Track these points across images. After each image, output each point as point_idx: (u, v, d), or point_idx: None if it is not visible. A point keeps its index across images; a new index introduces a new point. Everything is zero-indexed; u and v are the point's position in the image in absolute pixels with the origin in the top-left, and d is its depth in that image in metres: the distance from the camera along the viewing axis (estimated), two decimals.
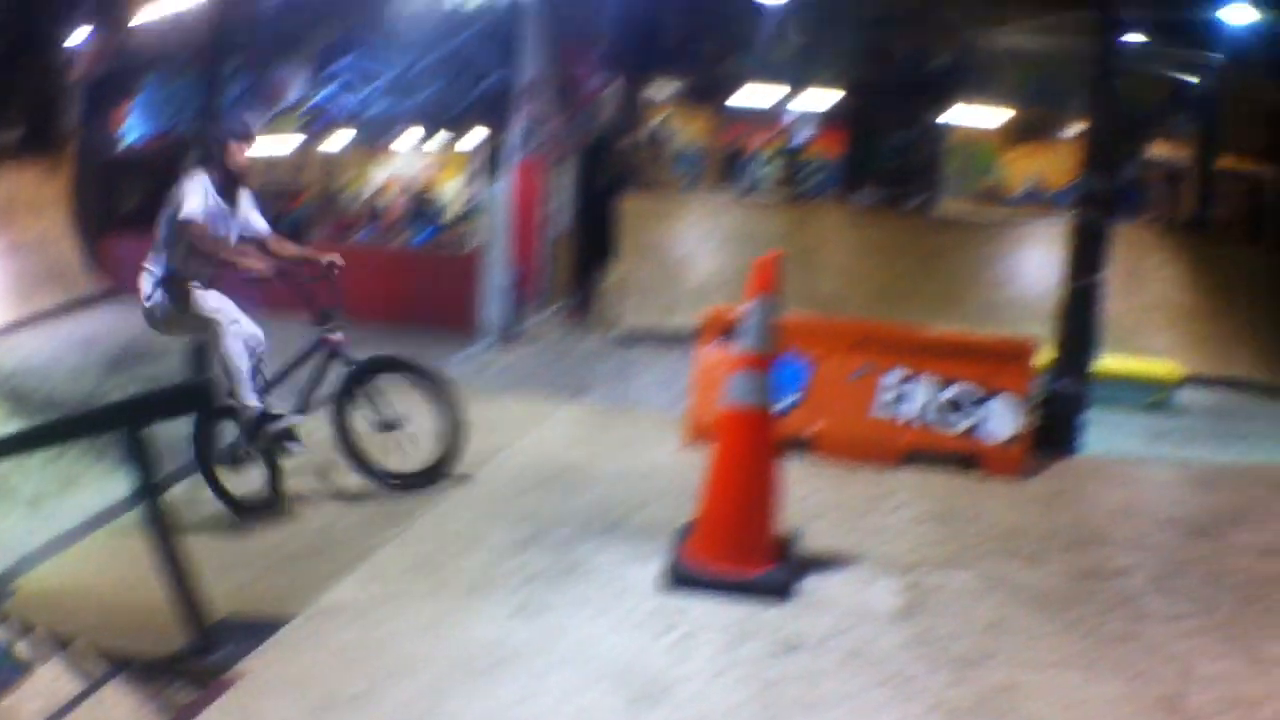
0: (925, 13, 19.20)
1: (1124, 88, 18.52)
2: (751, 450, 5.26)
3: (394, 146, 20.03)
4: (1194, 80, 19.98)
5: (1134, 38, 16.97)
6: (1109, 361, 11.24)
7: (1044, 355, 8.55)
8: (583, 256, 15.11)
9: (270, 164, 19.16)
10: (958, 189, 21.36)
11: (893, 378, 7.86)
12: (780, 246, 13.47)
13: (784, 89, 20.15)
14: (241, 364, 6.96)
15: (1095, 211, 8.61)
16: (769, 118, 20.88)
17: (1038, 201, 19.37)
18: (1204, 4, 17.04)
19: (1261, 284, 16.31)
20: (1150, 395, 12.78)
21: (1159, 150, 21.22)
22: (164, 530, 4.49)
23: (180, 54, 16.46)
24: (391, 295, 13.81)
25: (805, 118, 20.97)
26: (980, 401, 7.73)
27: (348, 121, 18.06)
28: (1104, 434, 8.98)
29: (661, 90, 20.17)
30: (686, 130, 20.70)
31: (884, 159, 20.82)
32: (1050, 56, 18.19)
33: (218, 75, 16.02)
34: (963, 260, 15.81)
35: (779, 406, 7.25)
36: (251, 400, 6.98)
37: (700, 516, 5.34)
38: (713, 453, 5.32)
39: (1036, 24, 17.73)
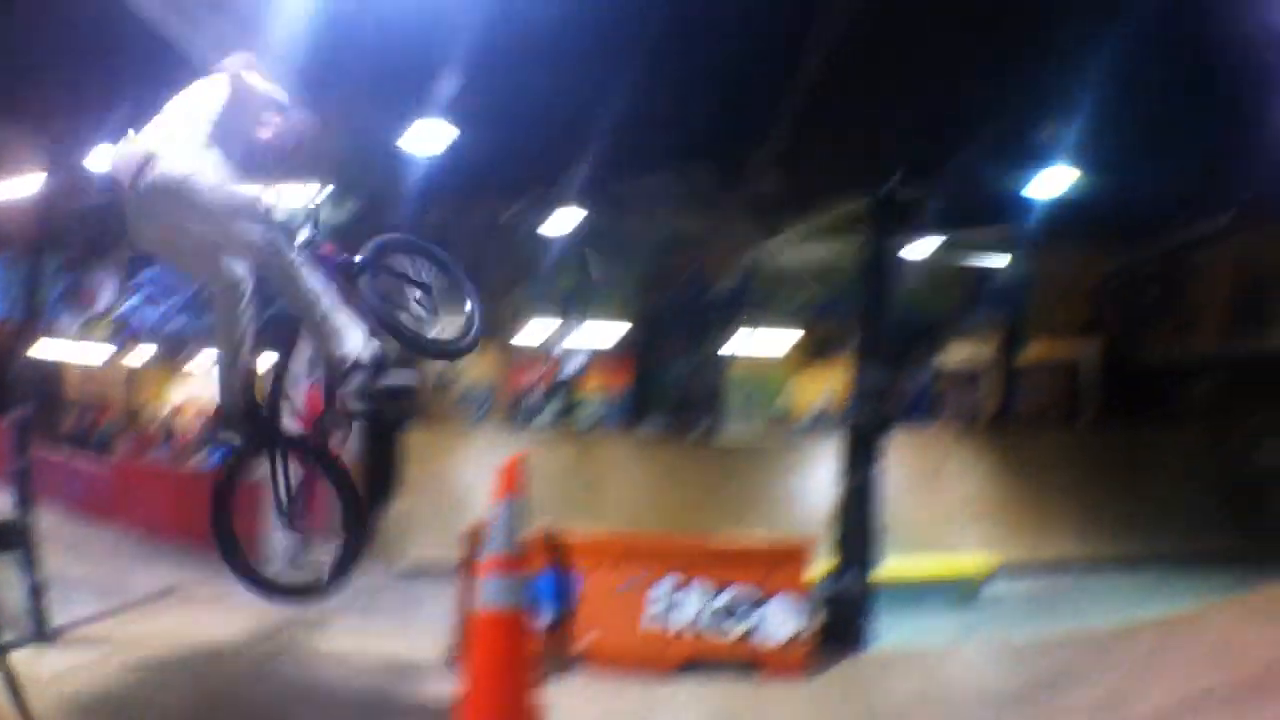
0: (706, 238, 20.28)
1: (921, 291, 19.45)
2: (506, 652, 5.47)
3: (190, 366, 20.26)
4: (998, 267, 21.06)
5: (929, 229, 18.08)
6: (914, 561, 11.88)
7: (830, 557, 9.04)
8: (369, 488, 15.36)
9: (85, 374, 19.39)
10: (745, 415, 22.27)
11: (663, 587, 8.06)
12: (567, 477, 13.99)
13: (569, 321, 21.11)
14: (321, 285, 5.21)
15: (868, 408, 9.18)
16: (553, 351, 21.88)
17: (826, 424, 20.11)
18: (1008, 180, 17.48)
19: (1077, 466, 17.35)
20: (960, 589, 13.34)
21: (960, 350, 22.22)
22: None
23: (12, 244, 16.65)
24: (184, 515, 14.04)
25: (587, 350, 21.99)
26: (757, 605, 7.97)
27: (148, 336, 18.20)
28: (910, 629, 9.44)
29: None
30: (474, 366, 21.47)
31: (668, 388, 21.79)
32: (835, 269, 18.99)
33: (40, 271, 16.20)
34: (749, 483, 16.46)
35: (549, 620, 7.65)
36: (356, 335, 5.20)
37: None
38: (471, 657, 5.58)
39: (816, 228, 18.62)
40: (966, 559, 14.44)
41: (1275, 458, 18.41)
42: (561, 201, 18.23)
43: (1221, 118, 14.19)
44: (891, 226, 9.65)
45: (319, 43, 10.60)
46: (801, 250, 19.96)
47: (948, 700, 7.25)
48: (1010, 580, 14.44)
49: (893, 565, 9.67)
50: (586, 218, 18.76)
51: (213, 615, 7.41)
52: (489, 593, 5.50)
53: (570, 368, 22.72)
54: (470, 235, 18.95)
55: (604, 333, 22.21)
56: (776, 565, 8.20)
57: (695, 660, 7.92)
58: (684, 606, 8.07)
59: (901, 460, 15.98)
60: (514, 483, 5.57)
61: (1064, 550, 15.87)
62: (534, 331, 22.13)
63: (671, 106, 15.31)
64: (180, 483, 15.89)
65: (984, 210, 18.88)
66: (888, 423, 9.33)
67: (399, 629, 9.97)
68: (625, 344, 22.53)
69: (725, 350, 22.54)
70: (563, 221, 18.55)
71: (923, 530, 14.38)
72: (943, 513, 16.12)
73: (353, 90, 12.65)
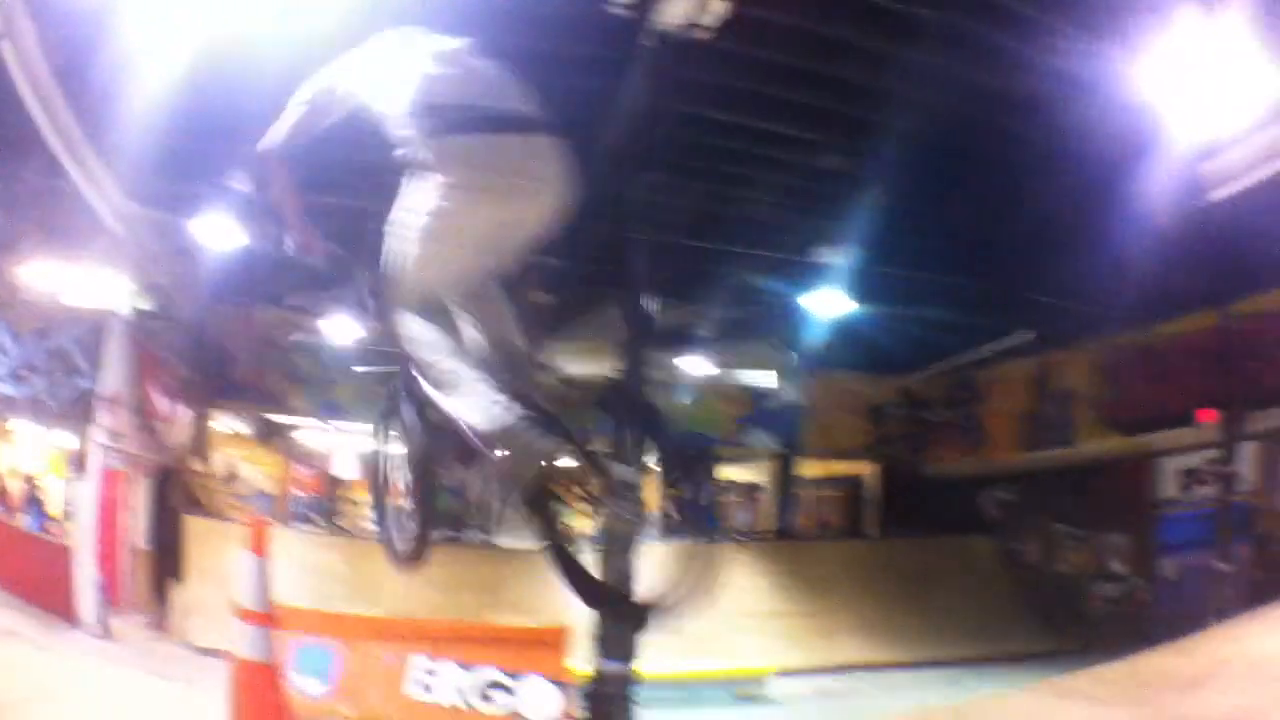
0: None
1: (698, 407, 20.06)
2: (256, 701, 6.01)
3: (12, 429, 20.81)
4: (775, 386, 22.08)
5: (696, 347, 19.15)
6: (692, 663, 12.85)
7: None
8: (157, 571, 16.00)
9: None
10: (524, 526, 22.98)
11: (421, 665, 8.69)
12: (342, 578, 14.58)
13: (349, 425, 21.86)
14: None
15: (621, 502, 9.96)
16: (332, 455, 23.26)
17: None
18: (786, 300, 18.38)
19: (863, 576, 18.53)
20: (740, 688, 14.21)
21: (740, 465, 23.51)
22: None
23: None
24: (11, 569, 14.83)
25: (357, 454, 22.97)
26: (514, 686, 8.65)
27: None
28: None
29: (233, 424, 21.89)
30: (257, 465, 22.45)
31: (446, 495, 22.56)
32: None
33: None
34: (528, 590, 16.85)
35: (313, 693, 8.38)
36: None
37: None
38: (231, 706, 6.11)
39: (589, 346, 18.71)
40: (748, 662, 15.23)
41: (1070, 565, 19.91)
42: (342, 311, 19.28)
43: (1016, 237, 15.19)
44: (648, 343, 10.31)
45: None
46: (579, 366, 20.79)
47: None
48: (798, 681, 15.29)
49: (670, 666, 10.60)
50: (367, 328, 19.77)
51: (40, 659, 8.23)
52: (241, 643, 6.09)
53: (345, 470, 23.75)
54: (250, 342, 20.14)
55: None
56: (533, 648, 8.95)
57: None
58: (442, 685, 8.69)
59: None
60: (260, 543, 6.21)
61: (852, 656, 16.67)
62: (313, 435, 22.99)
63: None
64: (9, 539, 16.65)
65: (760, 329, 20.02)
66: (640, 516, 10.13)
67: (190, 688, 10.45)
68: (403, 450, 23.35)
69: None
70: (343, 331, 19.41)
71: (704, 638, 15.24)
72: (723, 621, 16.24)
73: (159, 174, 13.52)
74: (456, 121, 4.46)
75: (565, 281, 17.39)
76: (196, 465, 19.06)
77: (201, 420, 19.48)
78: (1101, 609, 18.62)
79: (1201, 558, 16.45)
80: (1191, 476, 17.81)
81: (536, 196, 4.53)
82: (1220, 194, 11.75)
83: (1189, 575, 16.93)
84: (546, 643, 9.14)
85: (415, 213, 4.50)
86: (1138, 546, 18.47)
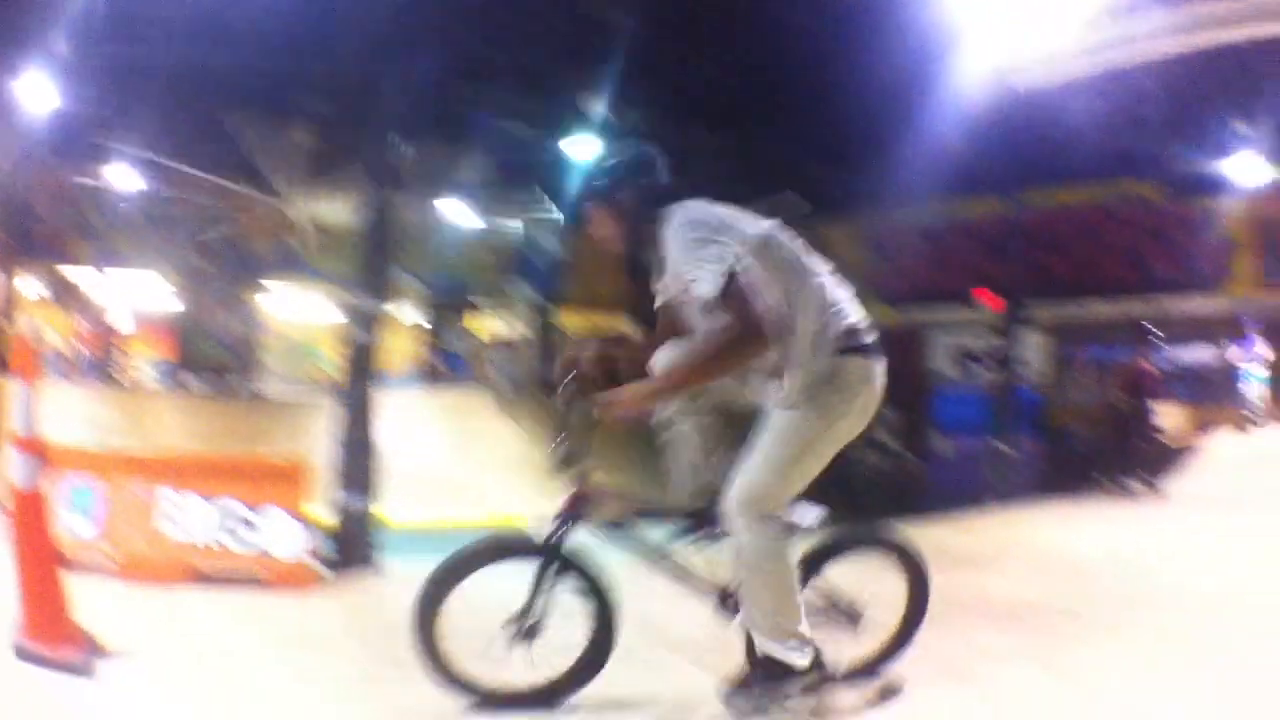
0: (248, 195, 21.72)
1: (460, 256, 20.35)
2: (29, 533, 6.05)
3: None
4: (536, 237, 23.03)
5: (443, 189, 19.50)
6: (444, 514, 13.32)
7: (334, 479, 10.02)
8: None
9: None
10: (284, 374, 24.26)
11: (168, 498, 8.83)
12: (115, 433, 14.67)
13: (121, 279, 22.97)
14: None
15: (361, 327, 10.18)
16: (107, 309, 24.04)
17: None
18: (542, 148, 18.96)
19: (618, 425, 19.26)
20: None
21: (503, 316, 24.17)
22: None
23: None
24: None
25: (137, 308, 24.09)
26: (257, 520, 8.85)
27: None
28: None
29: (36, 287, 22.47)
30: (54, 326, 22.91)
31: (212, 347, 23.71)
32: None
33: None
34: (291, 437, 17.33)
35: (78, 529, 8.49)
36: None
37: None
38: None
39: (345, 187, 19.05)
40: (501, 512, 15.38)
41: None
42: (118, 161, 19.57)
43: (791, 104, 16.12)
44: (397, 186, 10.45)
45: None
46: (331, 208, 21.43)
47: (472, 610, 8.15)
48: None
49: (420, 516, 10.96)
50: (142, 179, 20.11)
51: None
52: (15, 472, 6.05)
53: (122, 325, 24.25)
54: (50, 199, 19.89)
55: (154, 291, 24.11)
56: (269, 480, 9.12)
57: (207, 572, 8.74)
58: (189, 522, 8.87)
59: (444, 419, 17.58)
60: (27, 369, 6.18)
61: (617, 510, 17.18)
62: (93, 289, 23.87)
63: (216, 62, 16.14)
64: None
65: (522, 178, 20.91)
66: (376, 346, 10.34)
67: None
68: (174, 305, 24.29)
69: (267, 310, 24.47)
70: (121, 181, 20.03)
71: (456, 488, 15.74)
72: (476, 470, 17.56)
73: None
74: (836, 345, 4.97)
75: (323, 120, 17.47)
76: (4, 326, 19.60)
77: (9, 280, 20.11)
78: (867, 478, 19.15)
79: (979, 440, 17.03)
80: (969, 357, 18.76)
81: (869, 416, 5.11)
82: (1024, 83, 12.31)
83: (965, 455, 17.63)
84: (283, 474, 9.29)
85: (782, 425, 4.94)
86: (908, 421, 19.23)
